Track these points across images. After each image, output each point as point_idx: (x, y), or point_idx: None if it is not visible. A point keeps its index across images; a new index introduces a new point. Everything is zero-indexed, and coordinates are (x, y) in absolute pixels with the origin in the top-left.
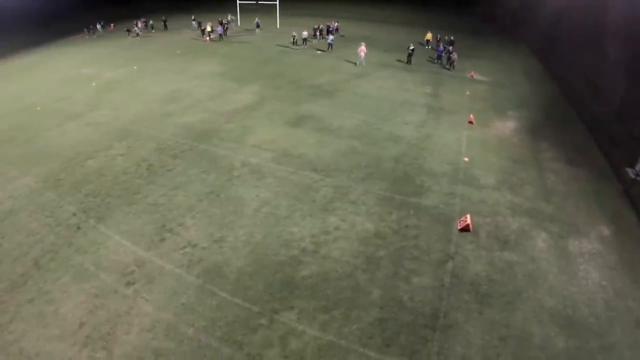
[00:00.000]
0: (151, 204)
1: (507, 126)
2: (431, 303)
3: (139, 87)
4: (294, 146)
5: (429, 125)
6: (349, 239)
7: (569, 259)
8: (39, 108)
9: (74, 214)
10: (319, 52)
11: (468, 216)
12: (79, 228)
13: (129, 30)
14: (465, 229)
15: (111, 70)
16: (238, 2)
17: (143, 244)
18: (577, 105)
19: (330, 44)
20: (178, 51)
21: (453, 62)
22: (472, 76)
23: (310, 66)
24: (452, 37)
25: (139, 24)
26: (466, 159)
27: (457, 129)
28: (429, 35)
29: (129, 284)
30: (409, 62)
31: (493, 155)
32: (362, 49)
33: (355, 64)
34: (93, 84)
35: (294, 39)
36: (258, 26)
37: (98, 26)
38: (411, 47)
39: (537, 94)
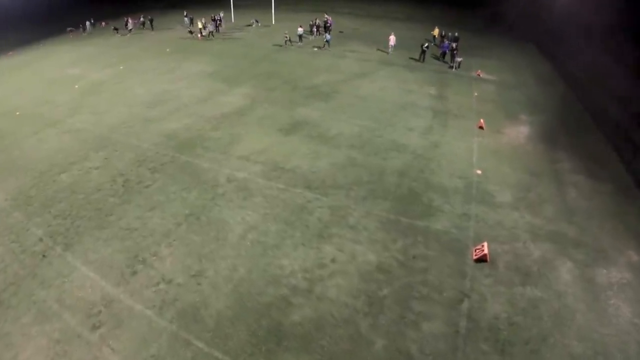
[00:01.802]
0: (124, 229)
1: (520, 132)
2: (444, 355)
3: (124, 89)
4: (286, 157)
5: (435, 132)
6: (348, 274)
7: (597, 292)
8: (18, 113)
9: (41, 239)
10: (315, 49)
11: (485, 245)
12: (44, 256)
13: (116, 29)
14: (482, 259)
15: (97, 70)
16: None
17: (112, 278)
18: (591, 108)
19: (327, 41)
20: (168, 49)
21: (459, 62)
22: (478, 75)
23: (306, 65)
24: (456, 33)
25: (129, 22)
26: (479, 172)
27: (467, 135)
28: (436, 31)
29: (94, 327)
30: (422, 59)
31: (508, 167)
32: (392, 38)
33: (388, 52)
34: (76, 86)
35: (287, 39)
36: (257, 21)
37: (87, 24)
38: (425, 45)
39: (548, 95)
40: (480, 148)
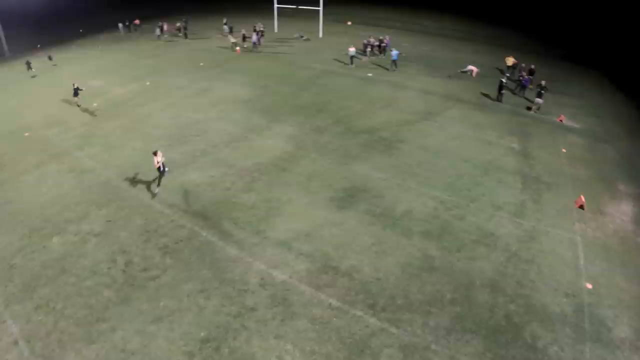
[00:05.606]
0: (118, 349)
1: (624, 213)
2: None
3: (145, 114)
4: (340, 249)
5: (529, 213)
6: None
7: None
8: (27, 134)
9: (16, 342)
10: (370, 74)
11: None
12: None
13: (161, 30)
14: None
15: (120, 84)
16: (276, 6)
17: None
18: None
19: (394, 61)
20: (202, 63)
21: (539, 105)
22: (561, 121)
23: (360, 96)
24: (532, 66)
25: (165, 27)
26: (589, 286)
27: (567, 219)
28: (509, 60)
29: None
30: (499, 98)
31: (619, 274)
32: (475, 71)
33: (465, 72)
34: (95, 104)
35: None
36: (302, 36)
37: (120, 26)
38: (504, 81)
39: None
40: (586, 242)
